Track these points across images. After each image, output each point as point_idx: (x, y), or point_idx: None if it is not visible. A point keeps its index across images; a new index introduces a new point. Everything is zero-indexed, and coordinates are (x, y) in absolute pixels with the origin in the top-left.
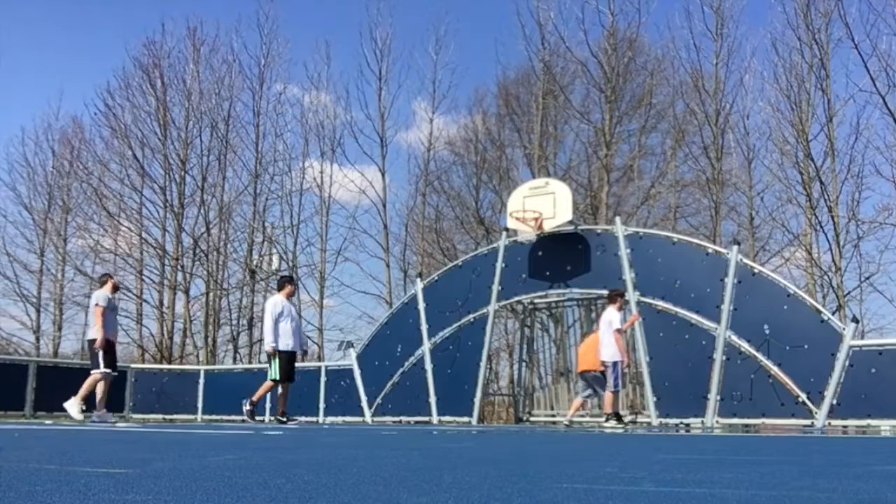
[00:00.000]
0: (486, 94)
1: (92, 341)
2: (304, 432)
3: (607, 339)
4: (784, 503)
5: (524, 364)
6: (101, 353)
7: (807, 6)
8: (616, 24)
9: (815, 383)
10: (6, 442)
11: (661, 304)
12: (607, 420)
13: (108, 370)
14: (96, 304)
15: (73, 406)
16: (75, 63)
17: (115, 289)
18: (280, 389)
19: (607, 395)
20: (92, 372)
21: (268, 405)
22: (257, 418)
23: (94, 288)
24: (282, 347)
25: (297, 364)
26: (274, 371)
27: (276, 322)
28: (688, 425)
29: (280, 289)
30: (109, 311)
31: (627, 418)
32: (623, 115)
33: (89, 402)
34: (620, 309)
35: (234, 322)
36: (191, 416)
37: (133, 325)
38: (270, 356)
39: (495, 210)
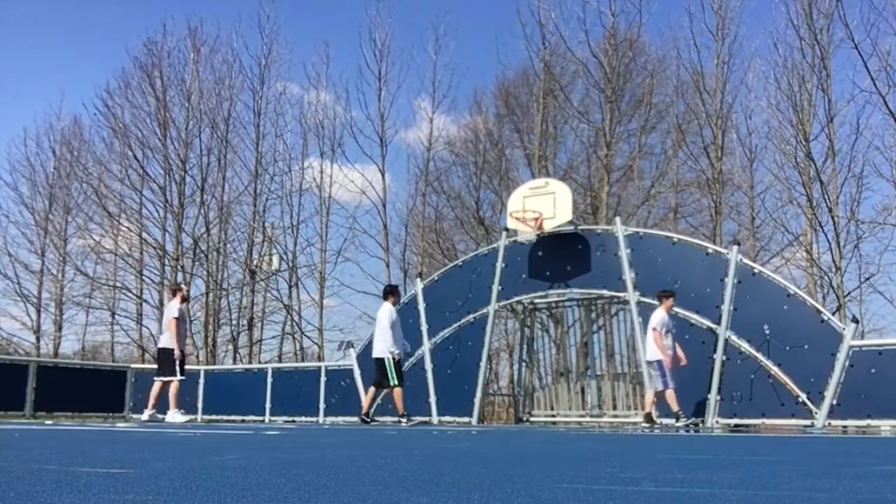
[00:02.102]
0: (485, 94)
1: (168, 350)
2: (304, 432)
3: (649, 339)
4: (784, 503)
5: (524, 364)
6: (177, 362)
7: (808, 6)
8: (617, 25)
9: (815, 383)
10: (6, 442)
11: None
12: (678, 419)
13: (183, 377)
14: (173, 318)
15: (173, 416)
16: (77, 63)
17: (184, 300)
18: (371, 391)
19: (668, 395)
20: (170, 378)
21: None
22: (415, 418)
23: (95, 287)
24: (397, 355)
25: (299, 365)
26: (392, 377)
27: (393, 330)
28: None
29: (387, 297)
30: (181, 322)
31: (681, 421)
32: (623, 115)
33: (141, 402)
34: (669, 309)
35: (234, 322)
36: (191, 416)
37: (133, 325)
38: (385, 363)
39: (495, 210)
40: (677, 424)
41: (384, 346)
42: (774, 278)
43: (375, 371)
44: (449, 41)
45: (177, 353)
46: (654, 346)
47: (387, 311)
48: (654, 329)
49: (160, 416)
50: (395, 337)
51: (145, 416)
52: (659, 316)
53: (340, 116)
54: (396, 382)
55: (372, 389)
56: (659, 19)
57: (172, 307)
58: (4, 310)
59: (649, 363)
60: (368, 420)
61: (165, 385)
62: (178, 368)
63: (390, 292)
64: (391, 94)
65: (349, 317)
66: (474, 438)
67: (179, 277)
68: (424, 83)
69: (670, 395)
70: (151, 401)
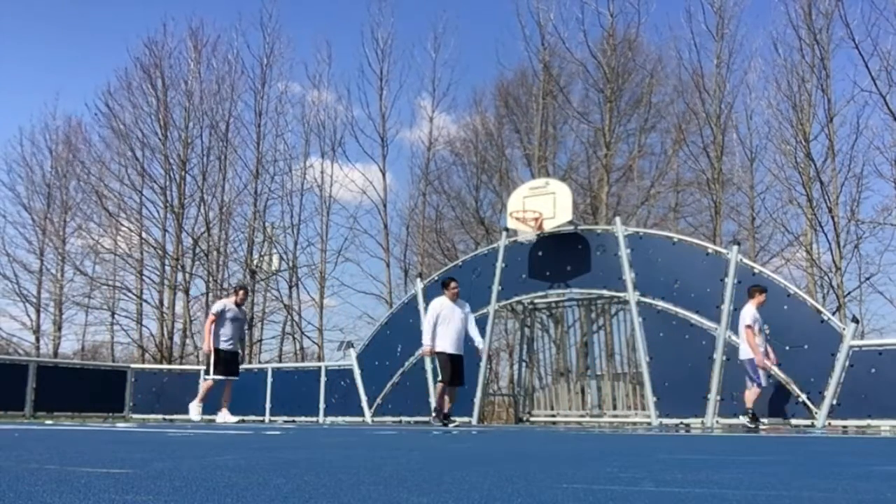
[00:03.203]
0: (485, 94)
1: (209, 349)
2: (304, 432)
3: (741, 336)
4: (784, 503)
5: (524, 364)
6: (210, 361)
7: (808, 6)
8: (615, 25)
9: (815, 383)
10: (6, 442)
11: (661, 304)
12: (750, 418)
13: (218, 377)
14: (209, 318)
15: (193, 409)
16: (75, 63)
17: (238, 303)
18: (452, 393)
19: (752, 391)
20: (204, 377)
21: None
22: (453, 420)
23: (95, 287)
24: (439, 349)
25: (299, 365)
26: (439, 373)
27: (436, 324)
28: (688, 425)
29: (443, 288)
30: (227, 321)
31: (753, 421)
32: (622, 115)
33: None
34: (761, 305)
35: None
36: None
37: (133, 325)
38: (433, 358)
39: (495, 210)
40: (748, 424)
41: (433, 342)
42: (774, 278)
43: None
44: (448, 38)
45: (205, 350)
46: (746, 344)
47: (433, 304)
48: (749, 326)
49: (233, 417)
50: (441, 332)
51: (232, 419)
52: (751, 312)
53: (342, 116)
54: (441, 378)
55: (438, 386)
56: (658, 19)
57: (215, 305)
58: (4, 310)
59: (741, 362)
60: (446, 421)
61: (225, 384)
62: (210, 368)
63: (442, 284)
64: (392, 94)
65: (349, 317)
66: (474, 438)
67: (179, 277)
68: (425, 82)
69: (752, 394)
70: (223, 401)
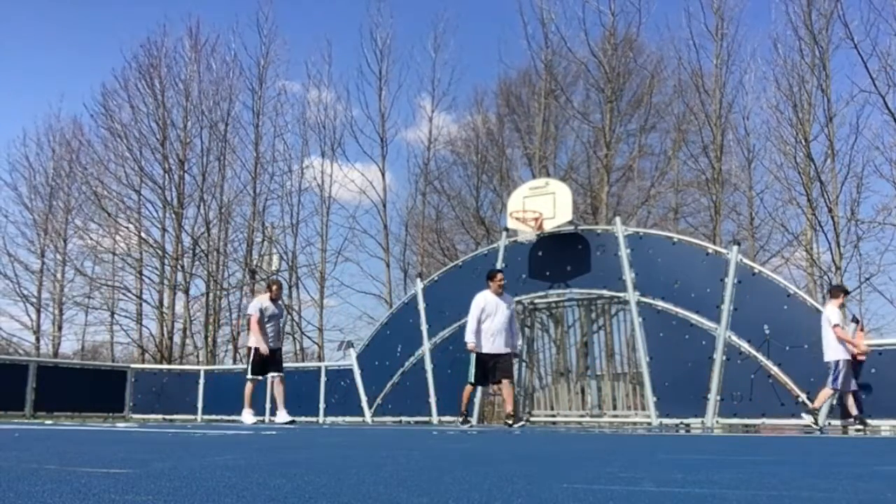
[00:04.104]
0: (487, 93)
1: (248, 348)
2: (304, 432)
3: (829, 337)
4: (784, 503)
5: (524, 364)
6: (250, 361)
7: (807, 6)
8: (616, 24)
9: (814, 383)
10: (6, 442)
11: (661, 304)
12: (810, 414)
13: (257, 377)
14: (249, 315)
15: (245, 416)
16: (76, 64)
17: (274, 298)
18: (504, 390)
19: (824, 392)
20: (246, 378)
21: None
22: (470, 420)
23: (95, 287)
24: (485, 349)
25: (299, 365)
26: (470, 373)
27: (480, 320)
28: (688, 425)
29: (488, 280)
30: (265, 320)
31: (811, 418)
32: (623, 115)
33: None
34: (842, 306)
35: (234, 322)
36: (191, 416)
37: (133, 325)
38: (470, 357)
39: (495, 210)
40: (805, 419)
41: (467, 338)
42: (774, 278)
43: None
44: (448, 39)
45: (252, 350)
46: (837, 345)
47: (476, 299)
48: (837, 325)
49: (287, 416)
50: (484, 328)
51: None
52: (835, 311)
53: (341, 116)
54: (470, 379)
55: (506, 387)
56: (658, 19)
57: (252, 305)
58: (4, 310)
59: (827, 364)
60: (465, 420)
61: (273, 383)
62: (249, 367)
63: (488, 276)
64: (392, 94)
65: (349, 317)
66: (474, 438)
67: (179, 277)
68: (424, 81)
69: (825, 394)
70: (277, 401)
